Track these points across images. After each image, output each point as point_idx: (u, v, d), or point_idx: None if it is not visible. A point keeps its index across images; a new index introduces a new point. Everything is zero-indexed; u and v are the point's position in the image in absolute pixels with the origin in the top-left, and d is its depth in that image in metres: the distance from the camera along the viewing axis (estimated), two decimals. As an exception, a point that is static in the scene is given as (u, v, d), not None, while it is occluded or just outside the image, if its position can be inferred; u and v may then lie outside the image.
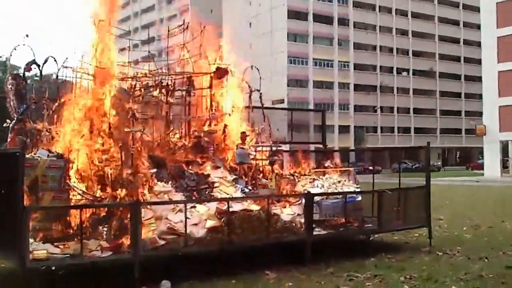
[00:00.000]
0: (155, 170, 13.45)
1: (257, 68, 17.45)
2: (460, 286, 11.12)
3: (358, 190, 15.40)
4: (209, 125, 15.08)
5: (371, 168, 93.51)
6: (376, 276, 12.02)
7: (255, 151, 15.14)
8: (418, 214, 15.74)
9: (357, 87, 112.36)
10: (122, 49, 15.61)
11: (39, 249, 11.17)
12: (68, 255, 11.15)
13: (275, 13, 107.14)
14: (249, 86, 16.76)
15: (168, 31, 16.40)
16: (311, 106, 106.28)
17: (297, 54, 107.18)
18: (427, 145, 16.13)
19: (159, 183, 13.29)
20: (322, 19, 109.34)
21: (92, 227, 12.07)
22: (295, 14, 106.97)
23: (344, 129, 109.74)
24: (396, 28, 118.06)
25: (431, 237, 15.79)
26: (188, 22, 16.26)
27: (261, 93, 16.80)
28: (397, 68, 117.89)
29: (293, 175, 15.65)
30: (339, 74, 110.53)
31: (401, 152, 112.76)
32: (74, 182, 12.62)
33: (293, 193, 14.73)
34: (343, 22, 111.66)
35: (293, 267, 12.80)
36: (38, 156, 12.31)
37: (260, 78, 16.74)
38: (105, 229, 12.00)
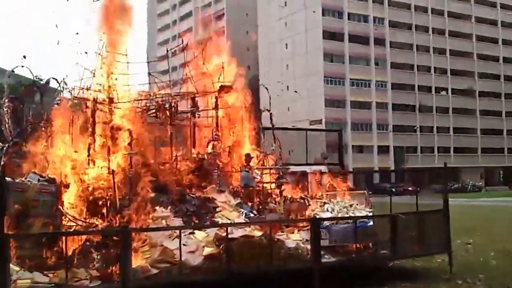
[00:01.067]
0: (153, 194, 12.79)
1: (266, 88, 16.64)
2: None
3: (370, 214, 14.43)
4: (213, 147, 14.35)
5: (410, 189, 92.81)
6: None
7: (261, 173, 14.32)
8: (437, 239, 14.76)
9: (395, 107, 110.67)
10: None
11: (24, 278, 10.61)
12: (53, 284, 10.53)
13: (310, 34, 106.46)
14: (260, 108, 15.97)
15: (167, 50, 15.70)
16: (349, 127, 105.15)
17: (333, 74, 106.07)
18: (444, 166, 15.18)
19: (158, 208, 12.64)
20: (358, 39, 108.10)
21: (83, 255, 11.46)
22: (331, 35, 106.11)
23: (382, 150, 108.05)
24: (433, 47, 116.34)
25: (451, 263, 14.75)
26: (188, 40, 15.45)
27: (271, 113, 16.00)
28: (435, 87, 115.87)
29: (304, 199, 14.79)
30: (376, 94, 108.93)
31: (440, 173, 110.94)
32: (67, 208, 12.06)
33: (301, 217, 13.88)
34: (379, 41, 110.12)
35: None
36: (28, 181, 11.79)
37: (270, 97, 15.88)
38: (98, 257, 11.38)
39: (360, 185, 17.69)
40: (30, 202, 11.52)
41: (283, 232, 13.59)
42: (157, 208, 12.64)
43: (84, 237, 11.66)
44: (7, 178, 11.28)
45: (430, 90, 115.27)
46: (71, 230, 11.60)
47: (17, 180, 11.50)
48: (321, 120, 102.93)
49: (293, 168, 16.80)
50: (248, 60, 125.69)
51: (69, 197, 12.43)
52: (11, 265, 10.83)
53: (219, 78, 15.31)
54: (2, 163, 12.79)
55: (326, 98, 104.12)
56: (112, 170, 12.09)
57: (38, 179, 11.86)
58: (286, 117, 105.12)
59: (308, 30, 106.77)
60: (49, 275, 10.86)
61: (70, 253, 11.33)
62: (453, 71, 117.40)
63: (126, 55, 13.66)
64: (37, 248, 11.36)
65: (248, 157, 14.19)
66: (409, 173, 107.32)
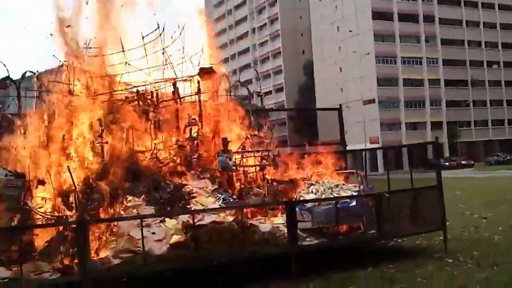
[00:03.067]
0: (127, 183, 12.12)
1: (256, 70, 15.64)
2: None
3: (355, 194, 13.32)
4: (190, 132, 13.51)
5: (464, 162, 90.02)
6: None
7: (242, 157, 13.42)
8: (432, 216, 13.66)
9: (447, 83, 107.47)
10: None
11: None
12: (7, 279, 9.98)
13: (360, 16, 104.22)
14: (248, 89, 15.04)
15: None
16: (402, 104, 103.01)
17: (385, 53, 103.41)
18: (435, 140, 14.04)
19: (130, 197, 11.96)
20: (408, 17, 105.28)
21: (47, 248, 10.88)
22: (380, 15, 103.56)
23: (436, 125, 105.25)
24: (483, 22, 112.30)
25: (446, 241, 13.67)
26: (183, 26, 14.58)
27: (261, 95, 15.07)
28: (487, 61, 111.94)
29: (291, 181, 13.83)
30: (428, 70, 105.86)
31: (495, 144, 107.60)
32: (42, 202, 11.51)
33: (282, 201, 12.93)
34: (428, 19, 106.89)
35: (276, 282, 11.16)
36: (-5, 175, 11.29)
37: (259, 79, 14.98)
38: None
39: (388, 163, 16.62)
40: (-4, 197, 11.04)
41: (266, 216, 12.78)
42: (129, 197, 11.96)
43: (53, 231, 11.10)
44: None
45: (481, 64, 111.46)
46: (21, 225, 10.96)
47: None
48: (374, 99, 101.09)
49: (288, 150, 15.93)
50: (303, 45, 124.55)
51: (44, 191, 11.87)
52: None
53: (199, 62, 14.43)
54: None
55: (378, 78, 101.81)
56: (68, 166, 11.42)
57: (6, 174, 11.36)
58: (340, 98, 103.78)
59: (358, 11, 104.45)
60: (13, 269, 10.34)
61: (37, 246, 10.86)
62: (504, 44, 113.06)
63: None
64: (4, 243, 10.82)
65: (225, 141, 13.30)
66: (462, 147, 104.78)
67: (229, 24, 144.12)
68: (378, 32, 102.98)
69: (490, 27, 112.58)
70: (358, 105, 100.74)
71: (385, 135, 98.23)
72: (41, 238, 11.14)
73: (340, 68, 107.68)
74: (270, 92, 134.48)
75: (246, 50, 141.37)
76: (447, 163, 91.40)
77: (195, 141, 13.43)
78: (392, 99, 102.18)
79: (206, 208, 11.72)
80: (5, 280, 9.91)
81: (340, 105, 17.55)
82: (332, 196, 12.82)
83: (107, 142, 12.21)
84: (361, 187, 14.20)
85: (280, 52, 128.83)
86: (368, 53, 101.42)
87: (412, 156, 68.41)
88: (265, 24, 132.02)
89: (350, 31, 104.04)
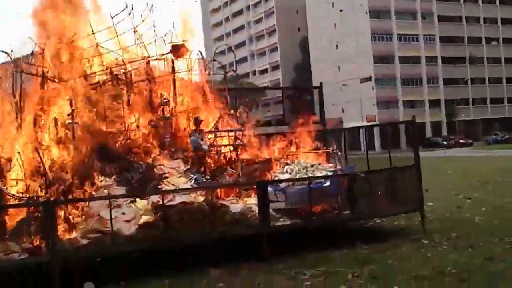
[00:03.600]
0: (99, 164, 12.20)
1: (230, 47, 15.61)
2: (407, 287, 9.29)
3: (330, 174, 13.39)
4: (163, 112, 13.58)
5: (462, 141, 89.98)
6: (326, 272, 10.34)
7: (216, 137, 13.48)
8: (410, 197, 13.77)
9: (445, 60, 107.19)
10: None
11: None
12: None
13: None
14: (223, 68, 15.07)
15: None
16: (399, 82, 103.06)
17: (380, 31, 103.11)
18: (412, 119, 14.11)
19: (101, 177, 12.06)
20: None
21: (20, 229, 10.97)
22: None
23: (433, 103, 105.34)
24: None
25: (424, 222, 13.78)
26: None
27: (237, 74, 15.12)
28: (486, 38, 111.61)
29: (266, 161, 13.92)
30: (425, 48, 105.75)
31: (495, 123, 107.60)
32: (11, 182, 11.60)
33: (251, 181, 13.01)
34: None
35: (246, 263, 11.19)
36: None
37: (235, 56, 15.01)
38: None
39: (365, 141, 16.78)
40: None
41: (239, 196, 12.88)
42: (101, 178, 12.06)
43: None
44: None
45: (480, 41, 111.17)
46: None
47: None
48: (371, 77, 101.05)
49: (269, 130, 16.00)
50: (298, 22, 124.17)
51: (16, 173, 11.95)
52: None
53: (171, 40, 14.41)
54: None
55: (374, 55, 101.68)
56: (36, 148, 11.50)
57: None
58: (337, 76, 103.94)
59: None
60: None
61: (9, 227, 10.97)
62: (504, 20, 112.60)
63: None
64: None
65: (197, 120, 13.35)
66: (460, 126, 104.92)
67: (224, 2, 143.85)
68: (374, 9, 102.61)
69: (489, 2, 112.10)
70: (355, 83, 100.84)
71: (382, 113, 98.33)
72: (13, 219, 11.24)
73: (336, 46, 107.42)
74: (266, 70, 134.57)
75: (241, 28, 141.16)
76: (444, 142, 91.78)
77: (168, 121, 13.46)
78: (388, 77, 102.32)
79: (177, 188, 11.79)
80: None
81: (321, 83, 17.33)
82: (306, 176, 12.88)
83: (77, 123, 12.25)
84: (339, 166, 14.29)
85: (275, 29, 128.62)
86: (363, 32, 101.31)
87: (410, 135, 68.01)
88: (260, 1, 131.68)
89: (341, 10, 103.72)
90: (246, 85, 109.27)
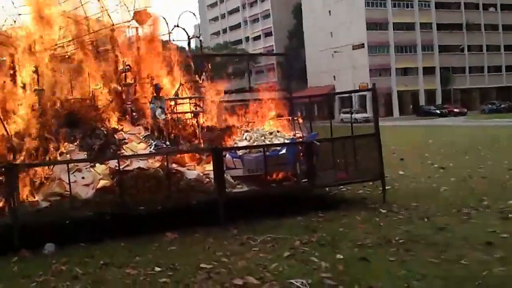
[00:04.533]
0: (63, 129, 12.80)
1: (193, 13, 16.02)
2: (349, 254, 9.73)
3: (287, 142, 13.89)
4: (125, 78, 14.08)
5: (456, 110, 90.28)
6: (276, 239, 10.93)
7: (176, 104, 14.00)
8: (370, 165, 14.31)
9: (440, 27, 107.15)
10: None
11: None
12: None
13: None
14: (187, 33, 15.51)
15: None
16: (392, 49, 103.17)
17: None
18: (373, 87, 14.59)
19: (66, 143, 12.67)
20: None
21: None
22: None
23: (428, 71, 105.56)
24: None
25: (384, 192, 14.31)
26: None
27: (200, 40, 15.58)
28: (483, 4, 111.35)
29: (226, 128, 14.49)
30: (420, 14, 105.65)
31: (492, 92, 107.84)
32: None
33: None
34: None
35: (202, 229, 11.82)
36: None
37: (199, 24, 15.44)
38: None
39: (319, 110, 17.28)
40: None
41: (199, 163, 13.43)
42: (65, 143, 12.65)
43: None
44: None
45: (477, 7, 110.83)
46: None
47: None
48: (363, 44, 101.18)
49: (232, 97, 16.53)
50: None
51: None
52: None
53: (134, 6, 14.84)
54: None
55: (367, 22, 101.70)
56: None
57: None
58: (330, 42, 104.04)
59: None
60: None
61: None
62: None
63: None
64: None
65: (157, 87, 13.84)
66: (456, 94, 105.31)
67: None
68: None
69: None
70: (347, 50, 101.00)
71: (374, 81, 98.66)
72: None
73: (329, 12, 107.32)
74: (259, 37, 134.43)
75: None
76: (437, 111, 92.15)
77: (130, 88, 13.98)
78: (382, 43, 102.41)
79: (135, 153, 12.35)
80: None
81: (296, 51, 17.76)
82: (262, 144, 13.41)
83: (43, 90, 12.80)
84: (298, 134, 14.80)
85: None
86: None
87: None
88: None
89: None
90: (238, 52, 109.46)
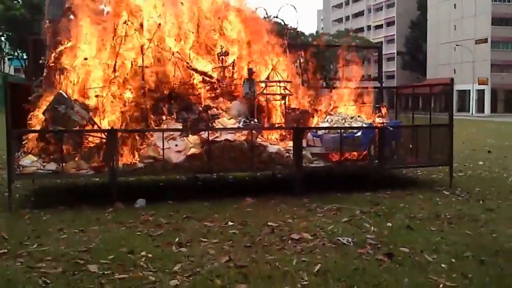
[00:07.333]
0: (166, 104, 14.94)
1: (293, 5, 17.70)
2: (398, 223, 11.04)
3: (365, 126, 15.38)
4: (222, 61, 15.96)
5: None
6: (340, 208, 12.35)
7: (266, 86, 15.83)
8: (440, 152, 15.63)
9: None
10: None
11: (30, 166, 13.13)
12: (51, 171, 13.02)
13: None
14: (285, 24, 17.28)
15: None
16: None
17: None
18: (450, 82, 15.81)
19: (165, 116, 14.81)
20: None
21: (90, 151, 13.78)
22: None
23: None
24: None
25: (451, 176, 15.51)
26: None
27: (298, 32, 17.27)
28: None
29: (307, 111, 16.23)
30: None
31: None
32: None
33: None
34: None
35: (278, 197, 13.47)
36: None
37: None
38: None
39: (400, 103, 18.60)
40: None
41: (282, 140, 15.24)
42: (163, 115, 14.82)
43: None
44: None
45: None
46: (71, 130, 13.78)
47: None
48: (487, 38, 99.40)
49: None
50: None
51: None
52: (31, 155, 13.56)
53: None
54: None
55: (493, 16, 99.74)
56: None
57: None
58: (452, 35, 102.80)
59: None
60: (60, 165, 13.25)
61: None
62: None
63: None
64: (56, 144, 13.66)
65: (250, 71, 15.64)
66: None
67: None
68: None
69: None
70: (470, 44, 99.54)
71: (495, 76, 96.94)
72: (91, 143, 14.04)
73: (455, 5, 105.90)
74: (381, 25, 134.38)
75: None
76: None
77: (226, 69, 15.89)
78: (506, 39, 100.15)
79: (224, 127, 14.27)
80: (50, 172, 12.99)
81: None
82: (339, 126, 15.07)
83: (147, 67, 14.91)
84: (379, 120, 16.39)
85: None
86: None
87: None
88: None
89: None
90: (358, 40, 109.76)
